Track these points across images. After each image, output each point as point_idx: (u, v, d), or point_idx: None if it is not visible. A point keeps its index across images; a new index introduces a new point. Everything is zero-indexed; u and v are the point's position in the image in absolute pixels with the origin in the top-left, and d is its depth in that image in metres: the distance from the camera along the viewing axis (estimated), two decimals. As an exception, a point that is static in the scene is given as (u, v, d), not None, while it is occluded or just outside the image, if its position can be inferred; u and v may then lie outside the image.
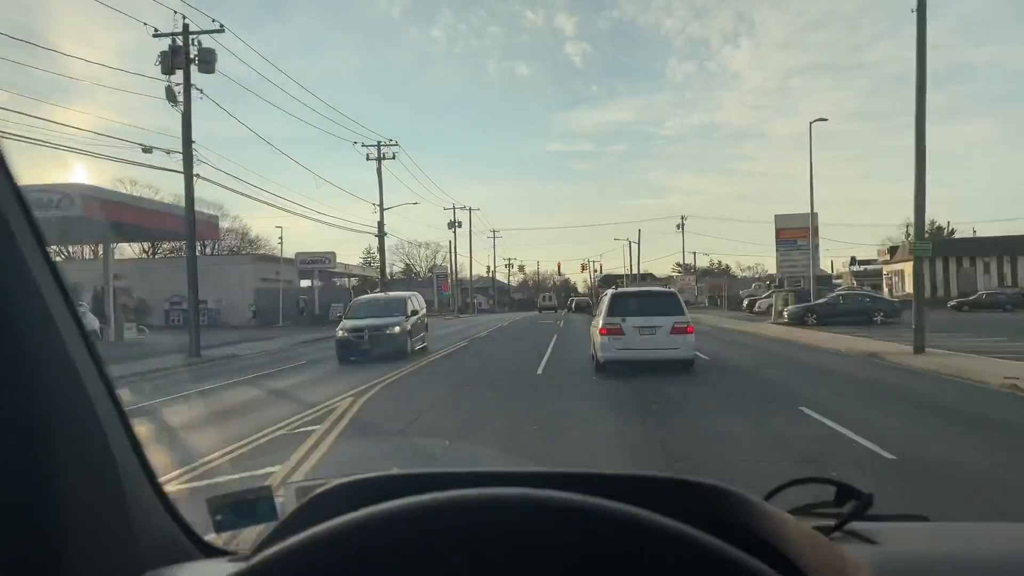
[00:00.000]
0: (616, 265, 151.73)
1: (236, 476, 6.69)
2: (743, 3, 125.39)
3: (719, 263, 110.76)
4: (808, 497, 1.38)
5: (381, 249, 48.55)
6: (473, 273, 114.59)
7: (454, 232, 79.25)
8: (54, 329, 1.05)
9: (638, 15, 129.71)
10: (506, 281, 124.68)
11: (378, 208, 47.98)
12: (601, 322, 16.09)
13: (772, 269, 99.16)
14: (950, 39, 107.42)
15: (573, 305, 71.88)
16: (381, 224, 48.17)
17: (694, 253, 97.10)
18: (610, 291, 17.78)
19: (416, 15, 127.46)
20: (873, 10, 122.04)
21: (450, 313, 76.30)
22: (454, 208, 78.70)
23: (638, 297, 17.00)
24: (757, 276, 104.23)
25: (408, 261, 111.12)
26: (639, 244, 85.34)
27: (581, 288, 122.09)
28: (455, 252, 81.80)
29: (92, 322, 26.15)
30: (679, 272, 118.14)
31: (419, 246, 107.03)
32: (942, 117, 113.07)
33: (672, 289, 20.30)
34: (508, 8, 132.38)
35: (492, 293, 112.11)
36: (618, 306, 16.14)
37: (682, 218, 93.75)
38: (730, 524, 1.04)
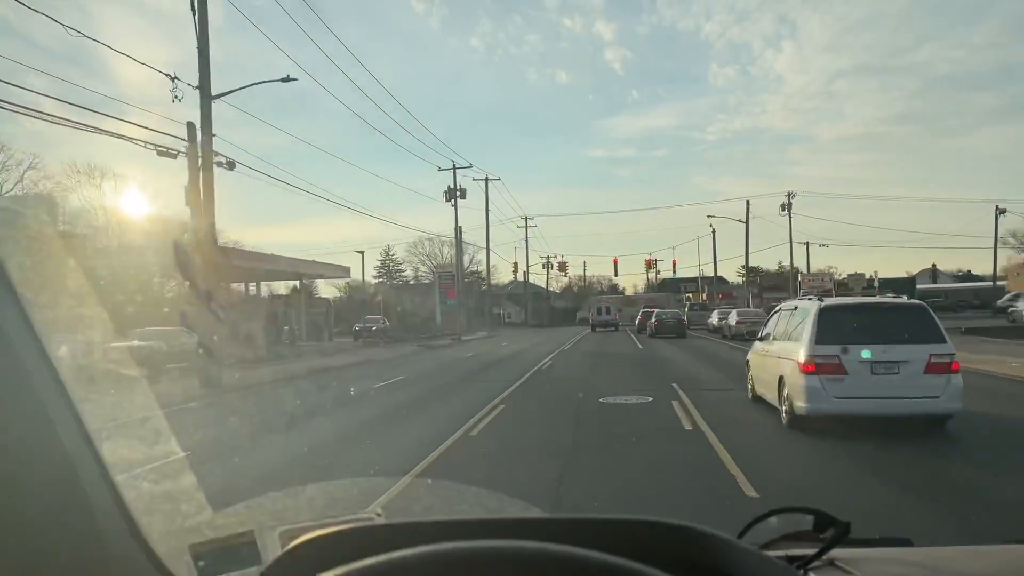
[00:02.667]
0: (683, 266, 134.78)
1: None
2: (784, 6, 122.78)
3: (790, 265, 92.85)
4: (788, 528, 1.38)
5: (204, 182, 19.35)
6: (503, 276, 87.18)
7: (455, 204, 50.44)
8: (9, 349, 0.98)
9: (678, 20, 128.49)
10: (545, 286, 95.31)
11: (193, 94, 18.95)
12: (804, 353, 10.03)
13: (850, 269, 73.31)
14: (999, 37, 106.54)
15: (653, 324, 42.04)
16: (206, 135, 19.08)
17: (806, 244, 66.52)
18: (813, 302, 10.97)
19: (455, 25, 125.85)
20: (919, 10, 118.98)
21: (449, 335, 47.09)
22: (454, 168, 49.75)
23: (866, 312, 11.02)
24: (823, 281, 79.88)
25: (430, 262, 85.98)
26: (748, 222, 55.28)
27: (630, 294, 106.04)
28: (460, 239, 52.86)
29: None
30: (746, 276, 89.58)
31: (442, 243, 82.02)
32: (995, 118, 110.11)
33: (909, 300, 11.78)
34: (546, 16, 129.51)
35: (526, 301, 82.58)
36: (832, 326, 10.17)
37: (788, 195, 62.86)
38: (700, 565, 1.04)
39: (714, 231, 76.26)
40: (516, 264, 72.22)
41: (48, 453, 0.99)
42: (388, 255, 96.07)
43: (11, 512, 0.95)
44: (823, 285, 57.43)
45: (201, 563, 1.27)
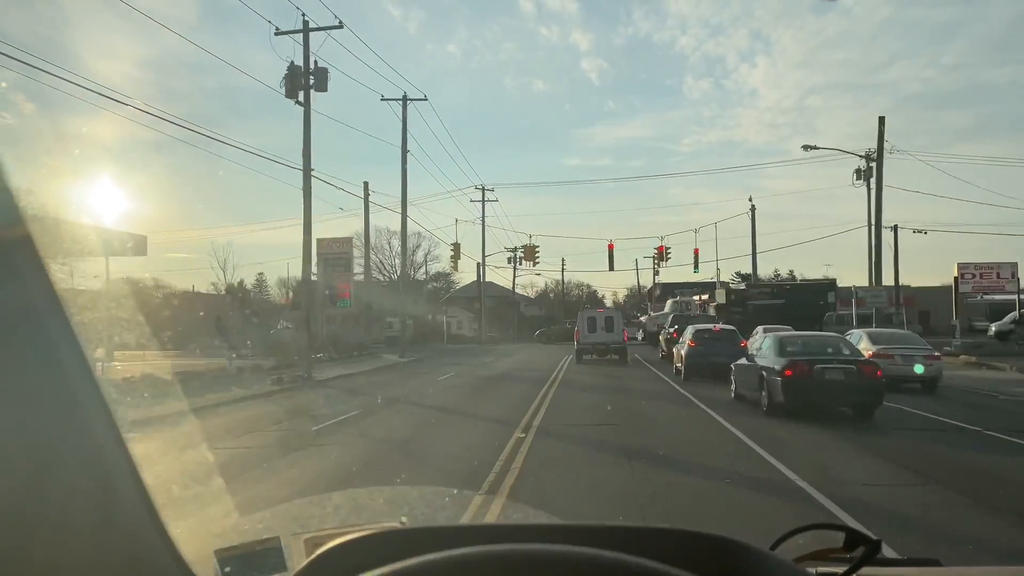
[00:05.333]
0: (676, 266, 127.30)
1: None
2: (758, 22, 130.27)
3: (869, 257, 75.68)
4: (818, 544, 1.40)
5: None
6: (464, 277, 63.15)
7: (304, 99, 24.85)
8: (54, 357, 0.98)
9: (653, 32, 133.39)
10: (511, 287, 70.56)
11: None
12: None
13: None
14: (969, 59, 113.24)
15: (805, 372, 13.10)
16: None
17: (894, 228, 42.92)
18: None
19: (432, 30, 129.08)
20: (891, 29, 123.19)
21: (306, 366, 22.17)
22: (305, 29, 24.02)
23: None
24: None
25: (375, 255, 69.12)
26: (881, 158, 30.52)
27: (609, 303, 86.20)
28: (309, 166, 26.51)
29: None
30: (738, 281, 66.85)
31: (391, 234, 65.59)
32: (964, 136, 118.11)
33: None
34: (523, 25, 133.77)
35: (480, 307, 58.29)
36: None
37: (867, 156, 36.51)
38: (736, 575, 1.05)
39: (753, 209, 52.20)
40: (456, 247, 47.13)
41: (81, 457, 0.99)
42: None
43: (43, 514, 0.94)
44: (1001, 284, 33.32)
45: (227, 569, 1.29)
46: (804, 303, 38.12)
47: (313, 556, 1.09)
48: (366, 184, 39.62)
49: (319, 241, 38.62)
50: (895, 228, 49.68)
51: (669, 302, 43.95)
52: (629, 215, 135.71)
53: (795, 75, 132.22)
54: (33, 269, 0.97)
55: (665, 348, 31.15)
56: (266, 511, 2.25)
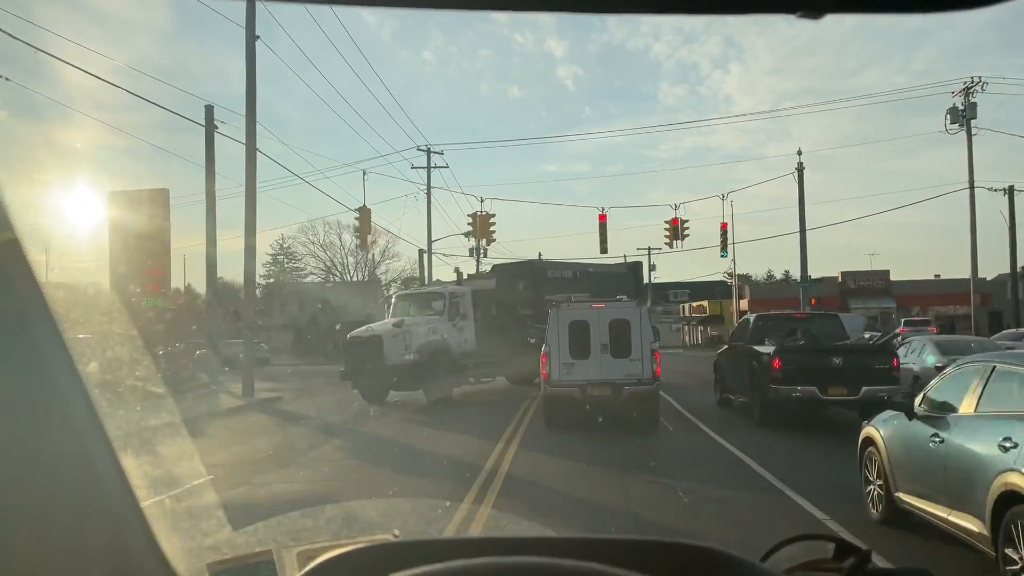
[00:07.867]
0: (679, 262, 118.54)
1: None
2: (731, 29, 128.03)
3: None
4: (809, 555, 1.34)
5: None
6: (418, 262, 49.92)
7: None
8: (40, 360, 0.96)
9: (627, 39, 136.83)
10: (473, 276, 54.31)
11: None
12: None
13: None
14: (936, 65, 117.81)
15: None
16: None
17: None
18: None
19: (406, 37, 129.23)
20: (861, 36, 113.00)
21: None
22: None
23: None
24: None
25: (324, 252, 69.89)
26: None
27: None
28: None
29: None
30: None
31: (341, 227, 66.09)
32: (934, 142, 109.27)
33: None
34: (498, 31, 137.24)
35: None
36: None
37: (969, 86, 15.37)
38: None
39: (801, 167, 37.95)
40: (363, 212, 31.18)
41: (72, 468, 0.97)
42: (283, 246, 75.72)
43: (34, 527, 0.93)
44: None
45: None
46: (607, 293, 23.75)
47: (306, 569, 1.09)
48: (209, 109, 24.02)
49: (111, 195, 23.04)
50: (1010, 190, 35.65)
51: (394, 298, 24.04)
52: (610, 219, 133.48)
53: (768, 81, 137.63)
54: (21, 272, 0.96)
55: (752, 396, 14.92)
56: (259, 524, 2.18)
